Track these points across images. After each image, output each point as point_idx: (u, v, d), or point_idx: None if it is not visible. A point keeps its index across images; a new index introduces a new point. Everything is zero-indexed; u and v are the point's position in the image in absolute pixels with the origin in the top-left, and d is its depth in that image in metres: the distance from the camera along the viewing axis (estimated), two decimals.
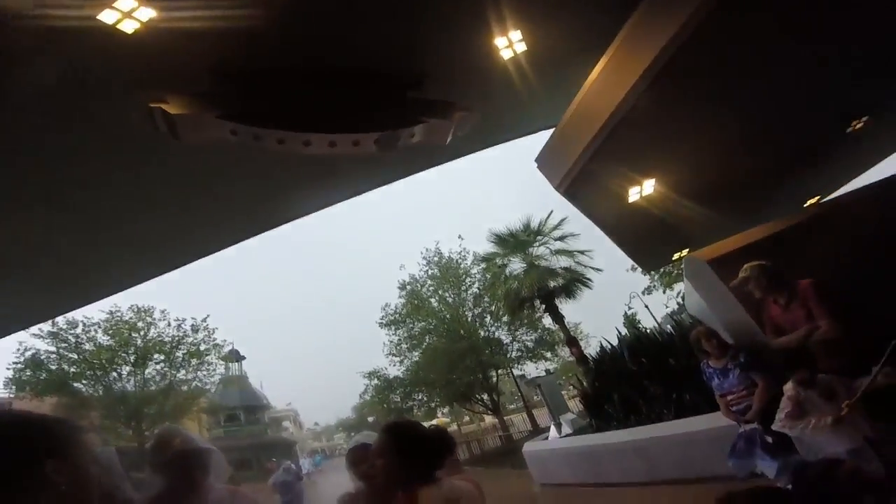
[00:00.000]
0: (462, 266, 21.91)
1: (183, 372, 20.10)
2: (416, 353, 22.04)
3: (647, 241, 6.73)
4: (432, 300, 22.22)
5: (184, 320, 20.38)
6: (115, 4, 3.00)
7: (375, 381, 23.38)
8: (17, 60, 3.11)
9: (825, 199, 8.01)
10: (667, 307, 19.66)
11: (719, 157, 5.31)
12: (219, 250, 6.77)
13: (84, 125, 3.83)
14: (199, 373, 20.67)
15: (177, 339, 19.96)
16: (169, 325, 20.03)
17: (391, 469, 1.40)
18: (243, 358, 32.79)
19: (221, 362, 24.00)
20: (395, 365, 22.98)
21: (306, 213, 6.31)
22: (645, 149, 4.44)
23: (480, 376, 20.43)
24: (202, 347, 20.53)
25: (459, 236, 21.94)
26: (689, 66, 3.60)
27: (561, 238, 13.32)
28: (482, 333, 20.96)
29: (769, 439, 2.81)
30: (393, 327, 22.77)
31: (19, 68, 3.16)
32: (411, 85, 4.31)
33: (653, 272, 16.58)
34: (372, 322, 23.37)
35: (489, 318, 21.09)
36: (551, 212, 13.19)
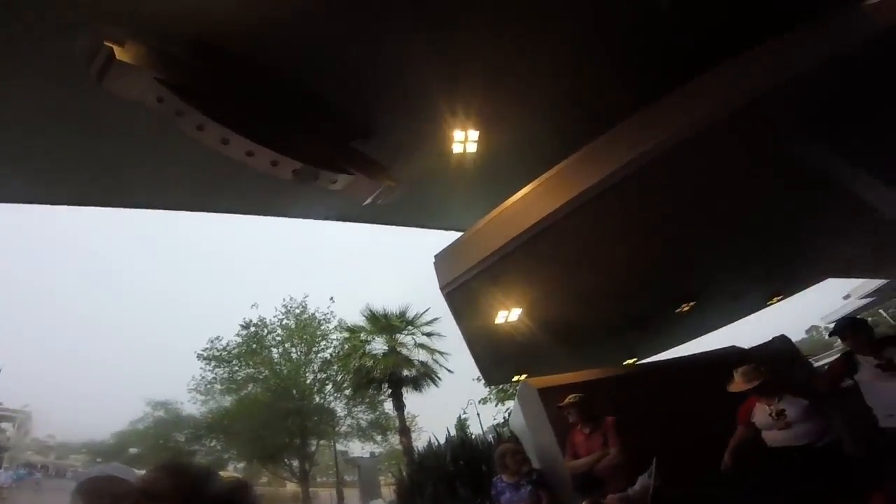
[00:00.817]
0: (322, 327, 20.94)
1: None
2: (229, 399, 19.52)
3: (496, 359, 7.48)
4: (274, 350, 20.38)
5: None
6: None
7: (162, 412, 20.24)
8: None
9: (641, 361, 10.23)
10: (494, 419, 21.13)
11: (578, 305, 6.42)
12: (84, 204, 5.51)
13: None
14: None
15: None
16: None
17: None
18: None
19: None
20: (195, 402, 19.97)
21: (187, 208, 5.66)
22: (528, 281, 5.14)
23: (298, 441, 18.67)
24: None
25: (331, 298, 21.34)
26: (594, 216, 4.28)
27: (428, 334, 14.13)
28: (317, 399, 19.63)
29: None
30: (213, 363, 19.87)
31: None
32: (358, 134, 4.45)
33: (492, 386, 18.09)
34: (184, 348, 20.36)
35: (330, 386, 19.89)
36: (428, 308, 14.01)
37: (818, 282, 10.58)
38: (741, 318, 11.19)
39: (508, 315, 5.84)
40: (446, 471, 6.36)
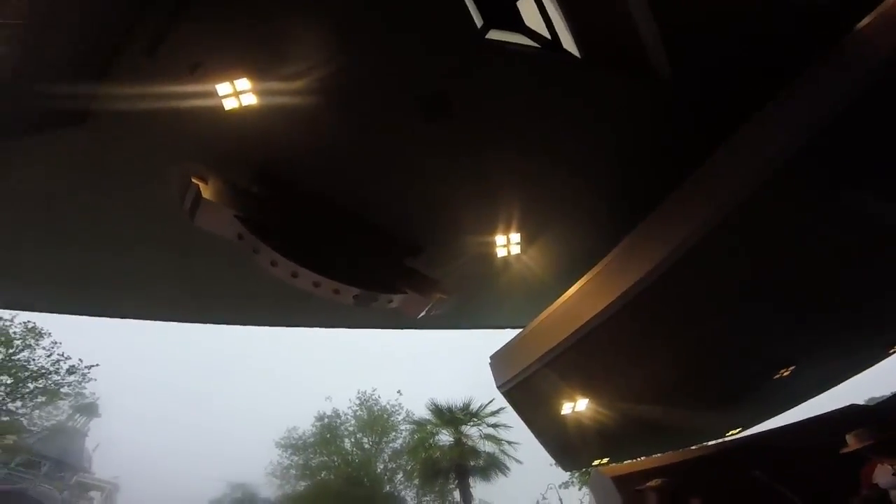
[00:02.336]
0: (392, 419, 21.46)
1: (20, 403, 17.49)
2: (303, 484, 19.92)
3: (569, 447, 7.00)
4: (347, 440, 20.93)
5: (67, 359, 17.86)
6: (234, 81, 3.35)
7: (239, 493, 21.46)
8: None
9: (746, 430, 8.94)
10: (581, 502, 19.22)
11: (653, 390, 5.99)
12: (173, 321, 6.42)
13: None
14: (37, 411, 18.32)
15: (42, 371, 17.31)
16: (49, 355, 17.49)
17: None
18: (98, 415, 28.93)
19: (70, 410, 21.76)
20: (270, 486, 20.90)
21: (257, 323, 6.31)
22: (589, 372, 5.02)
23: None
24: (63, 390, 18.24)
25: (399, 391, 22.11)
26: (651, 305, 4.20)
27: (494, 426, 14.06)
28: (387, 488, 19.34)
29: None
30: (290, 450, 20.79)
31: None
32: (409, 253, 4.83)
33: (580, 468, 16.60)
34: (264, 437, 21.29)
35: (400, 475, 19.84)
36: (492, 400, 14.05)
37: None
38: (859, 371, 9.57)
39: (575, 406, 5.58)
40: None
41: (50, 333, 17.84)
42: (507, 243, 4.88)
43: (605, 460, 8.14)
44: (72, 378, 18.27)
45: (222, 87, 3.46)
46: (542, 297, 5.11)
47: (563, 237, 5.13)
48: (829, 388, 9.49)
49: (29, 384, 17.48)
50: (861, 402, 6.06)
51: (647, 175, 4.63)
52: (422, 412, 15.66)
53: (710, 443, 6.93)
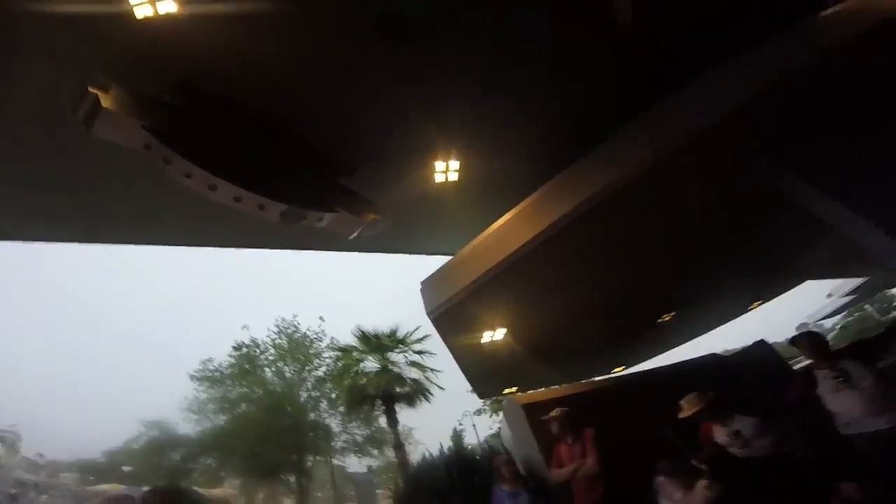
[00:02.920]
0: (315, 346, 21.12)
1: None
2: (223, 418, 19.59)
3: (486, 375, 7.66)
4: (267, 369, 20.52)
5: None
6: None
7: (156, 431, 20.33)
8: None
9: (629, 368, 10.46)
10: (490, 429, 21.38)
11: (561, 323, 6.63)
12: (71, 241, 5.66)
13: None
14: None
15: None
16: None
17: None
18: None
19: None
20: (188, 422, 20.11)
21: (173, 243, 5.80)
22: (511, 303, 5.35)
23: (294, 457, 18.77)
24: None
25: (321, 318, 21.57)
26: (567, 241, 4.49)
27: (419, 352, 14.35)
28: (311, 416, 19.72)
29: None
30: (207, 383, 20.11)
31: None
32: (342, 170, 4.61)
33: (492, 397, 18.29)
34: (174, 370, 20.53)
35: (325, 403, 20.08)
36: (418, 327, 14.25)
37: (798, 285, 10.95)
38: (724, 323, 11.53)
39: (494, 335, 6.05)
40: (441, 483, 6.46)
41: None
42: (445, 170, 4.80)
43: (514, 389, 9.11)
44: None
45: None
46: (474, 225, 5.21)
47: (502, 169, 5.19)
48: (700, 335, 11.39)
49: None
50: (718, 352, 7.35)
51: (588, 120, 4.78)
52: (346, 340, 15.56)
53: (599, 378, 8.02)
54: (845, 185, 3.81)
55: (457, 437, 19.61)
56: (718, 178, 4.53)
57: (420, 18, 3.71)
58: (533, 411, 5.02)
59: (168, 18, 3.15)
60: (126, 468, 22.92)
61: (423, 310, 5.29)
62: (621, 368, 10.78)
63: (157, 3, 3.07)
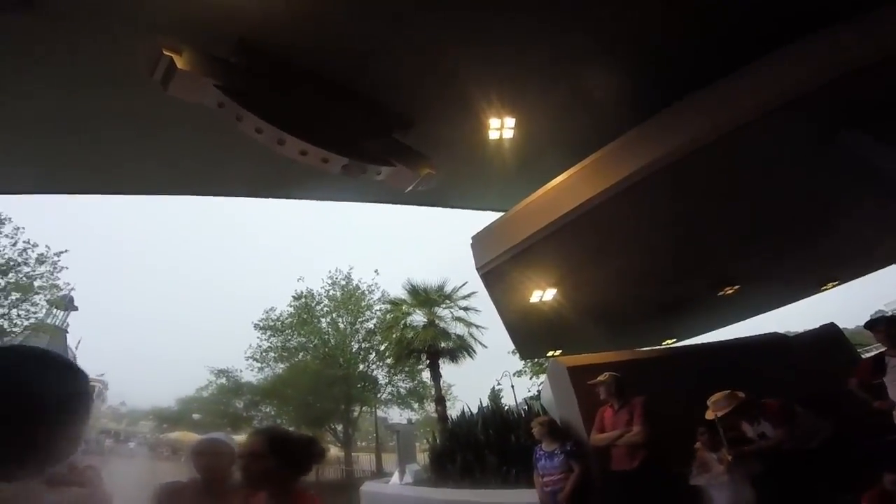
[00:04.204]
0: (367, 299, 21.95)
1: None
2: (282, 366, 20.96)
3: (531, 335, 7.72)
4: (323, 320, 21.64)
5: (34, 247, 16.33)
6: None
7: (223, 380, 21.52)
8: None
9: (680, 342, 10.14)
10: (529, 391, 21.58)
11: (614, 288, 6.49)
12: (145, 193, 6.29)
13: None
14: (14, 310, 16.35)
15: (12, 263, 15.90)
16: (14, 244, 15.91)
17: (265, 471, 1.44)
18: (75, 308, 27.20)
19: (47, 305, 19.14)
20: (252, 370, 21.47)
21: (239, 194, 6.24)
22: (561, 262, 5.27)
23: (343, 407, 19.97)
24: (37, 283, 16.52)
25: (376, 271, 22.39)
26: (625, 204, 4.35)
27: (465, 308, 14.52)
28: (361, 367, 20.73)
29: None
30: (269, 332, 21.50)
31: None
32: (399, 126, 4.68)
33: (527, 360, 18.44)
34: (241, 320, 21.95)
35: (374, 355, 20.97)
36: (465, 283, 14.32)
37: (879, 269, 9.84)
38: (792, 301, 10.64)
39: (543, 295, 6.03)
40: (476, 439, 6.73)
41: (10, 219, 15.96)
42: (500, 127, 4.72)
43: (559, 352, 9.12)
44: (42, 269, 16.60)
45: None
46: (528, 183, 5.13)
47: (559, 130, 5.04)
48: (765, 312, 10.64)
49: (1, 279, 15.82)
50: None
51: (652, 85, 4.46)
52: (397, 293, 15.83)
53: (648, 348, 7.82)
54: None
55: (494, 396, 20.13)
56: (801, 150, 4.13)
57: None
58: (578, 374, 4.97)
59: None
60: (196, 416, 24.70)
61: (471, 268, 5.38)
62: (672, 341, 10.43)
63: None
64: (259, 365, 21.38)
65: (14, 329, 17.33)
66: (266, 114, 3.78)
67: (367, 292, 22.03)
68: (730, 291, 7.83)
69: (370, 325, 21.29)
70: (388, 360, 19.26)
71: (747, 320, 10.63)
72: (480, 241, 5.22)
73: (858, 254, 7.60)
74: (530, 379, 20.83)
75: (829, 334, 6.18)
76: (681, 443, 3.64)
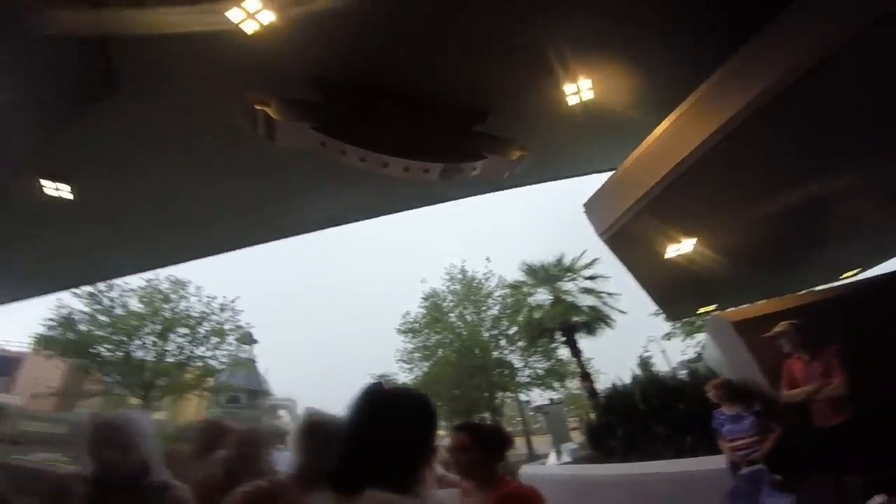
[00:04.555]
0: (485, 287, 22.40)
1: (202, 349, 20.22)
2: (427, 364, 22.42)
3: (676, 294, 6.92)
4: (451, 315, 22.63)
5: (214, 298, 20.77)
6: (242, 4, 3.39)
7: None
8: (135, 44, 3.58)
9: (866, 271, 8.05)
10: (683, 354, 19.51)
11: (764, 223, 5.46)
12: (266, 241, 7.40)
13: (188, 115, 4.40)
14: (217, 351, 20.82)
15: (204, 315, 20.28)
16: (200, 300, 20.40)
17: (474, 462, 1.61)
18: (255, 342, 32.80)
19: (236, 343, 23.94)
20: (404, 372, 23.40)
21: (349, 220, 6.87)
22: (693, 209, 4.66)
23: (486, 395, 20.58)
24: (226, 327, 20.79)
25: (487, 258, 22.72)
26: (758, 131, 3.68)
27: (591, 278, 13.72)
28: (495, 354, 21.15)
29: (778, 478, 3.19)
30: (410, 335, 23.25)
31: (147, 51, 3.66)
32: (476, 118, 4.71)
33: (675, 321, 16.51)
34: (387, 331, 23.96)
35: (504, 340, 21.24)
36: (584, 251, 13.65)
37: None
38: None
39: (680, 247, 5.33)
40: (637, 410, 6.35)
41: (190, 281, 20.21)
42: (577, 91, 4.52)
43: (713, 307, 8.00)
44: (225, 315, 20.69)
45: (233, 14, 3.42)
46: (626, 137, 4.71)
47: (639, 79, 4.59)
48: None
49: (199, 329, 19.95)
50: None
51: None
52: (514, 276, 15.80)
53: (825, 287, 6.35)
54: None
55: (644, 363, 18.56)
56: None
57: None
58: (748, 329, 4.56)
59: (272, 28, 3.55)
60: None
61: (582, 236, 5.05)
62: (856, 272, 8.27)
63: (256, 16, 3.50)
64: (408, 366, 23.17)
65: (222, 367, 22.14)
66: (362, 141, 4.09)
67: (483, 281, 22.38)
68: None
69: (494, 311, 21.63)
70: (520, 343, 19.45)
71: None
72: (595, 206, 4.90)
73: None
74: (683, 341, 18.72)
75: None
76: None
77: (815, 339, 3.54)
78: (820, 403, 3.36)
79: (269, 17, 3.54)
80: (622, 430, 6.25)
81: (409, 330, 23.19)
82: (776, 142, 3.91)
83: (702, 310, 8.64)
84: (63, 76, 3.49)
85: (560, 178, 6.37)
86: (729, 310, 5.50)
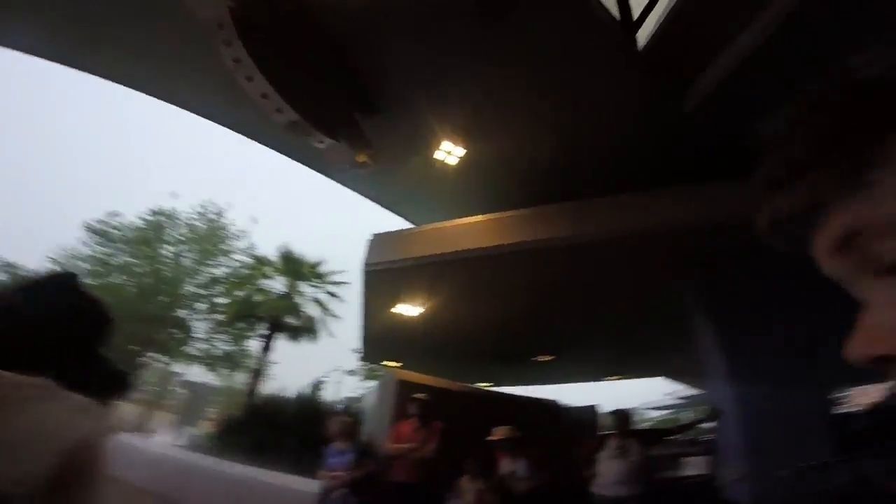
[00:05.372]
0: (228, 244, 19.25)
1: None
2: (89, 280, 16.86)
3: (380, 341, 8.16)
4: (168, 247, 18.45)
5: None
6: None
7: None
8: None
9: (496, 386, 11.65)
10: (353, 392, 21.45)
11: (467, 327, 7.39)
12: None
13: None
14: None
15: None
16: None
17: None
18: None
19: None
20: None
21: (192, 109, 5.43)
22: (441, 290, 5.92)
23: (135, 349, 16.96)
24: None
25: (254, 219, 20.16)
26: (504, 264, 5.37)
27: (330, 293, 14.04)
28: (182, 313, 17.95)
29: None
30: (99, 237, 17.71)
31: None
32: (365, 108, 4.75)
33: (365, 363, 18.56)
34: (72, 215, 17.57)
35: (206, 305, 18.31)
36: (343, 270, 14.09)
37: (652, 377, 13.14)
38: (583, 382, 13.45)
39: (409, 310, 6.56)
40: (283, 421, 6.76)
41: None
42: (449, 152, 5.00)
43: (398, 364, 9.69)
44: None
45: None
46: (450, 209, 5.60)
47: (498, 180, 5.52)
48: (569, 383, 13.26)
49: None
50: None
51: (589, 165, 5.16)
52: (268, 252, 14.86)
53: (462, 384, 8.25)
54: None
55: (316, 387, 19.46)
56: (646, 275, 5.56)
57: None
58: (405, 389, 5.38)
59: None
60: None
61: (351, 258, 5.56)
62: (488, 385, 12.01)
63: None
64: (59, 264, 16.89)
65: None
66: (252, 48, 3.63)
67: (231, 237, 19.36)
68: (546, 359, 9.68)
69: (218, 271, 18.69)
70: (219, 317, 17.25)
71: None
72: (380, 241, 5.47)
73: (642, 362, 10.05)
74: (360, 381, 20.77)
75: (588, 415, 8.12)
76: (454, 469, 4.27)
77: (433, 415, 4.42)
78: (404, 461, 4.10)
79: None
80: (257, 434, 6.53)
81: (102, 233, 17.63)
82: (514, 277, 5.46)
83: (387, 362, 10.35)
84: None
85: (378, 203, 6.62)
86: (407, 371, 6.75)
